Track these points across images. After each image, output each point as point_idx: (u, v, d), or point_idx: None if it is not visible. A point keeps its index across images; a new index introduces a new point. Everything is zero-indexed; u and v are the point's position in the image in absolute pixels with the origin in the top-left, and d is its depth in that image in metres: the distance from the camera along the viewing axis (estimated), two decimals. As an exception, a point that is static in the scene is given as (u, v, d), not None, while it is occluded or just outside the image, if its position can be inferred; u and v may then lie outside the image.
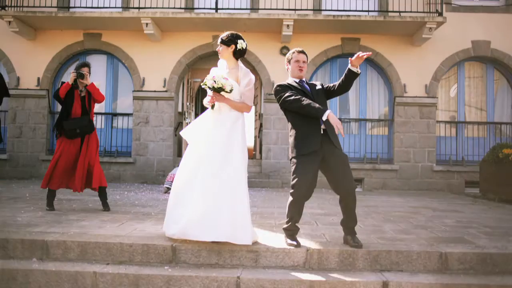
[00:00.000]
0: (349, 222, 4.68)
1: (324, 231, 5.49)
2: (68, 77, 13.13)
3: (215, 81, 4.55)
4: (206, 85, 4.63)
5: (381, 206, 8.59)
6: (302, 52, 4.97)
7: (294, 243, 4.54)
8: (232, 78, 4.71)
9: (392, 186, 12.67)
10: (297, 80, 4.92)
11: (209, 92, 4.72)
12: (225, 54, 4.80)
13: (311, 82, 5.04)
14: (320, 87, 4.93)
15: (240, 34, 4.86)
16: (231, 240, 4.37)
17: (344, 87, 4.83)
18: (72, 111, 6.71)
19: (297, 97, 4.62)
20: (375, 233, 5.48)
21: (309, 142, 4.61)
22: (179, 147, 13.87)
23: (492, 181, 10.31)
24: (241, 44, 4.78)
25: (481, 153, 12.62)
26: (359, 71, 4.73)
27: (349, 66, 4.68)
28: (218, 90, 4.59)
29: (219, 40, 4.83)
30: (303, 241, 4.78)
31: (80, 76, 6.66)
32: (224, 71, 4.83)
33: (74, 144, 6.70)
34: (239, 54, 4.83)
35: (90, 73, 6.80)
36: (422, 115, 12.77)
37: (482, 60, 13.18)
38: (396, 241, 4.94)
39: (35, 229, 5.05)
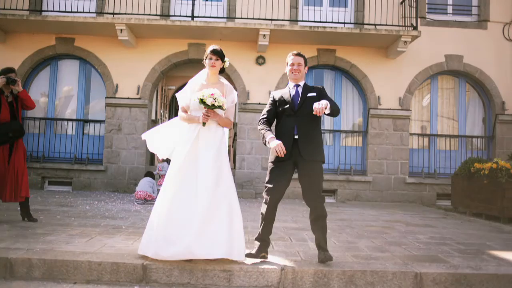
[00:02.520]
0: (318, 240, 4.66)
1: (298, 248, 5.42)
2: (39, 82, 12.91)
3: (215, 99, 4.48)
4: (204, 102, 4.50)
5: (355, 219, 8.56)
6: (298, 54, 4.91)
7: (257, 260, 4.58)
8: None
9: (365, 198, 12.70)
10: (292, 85, 4.88)
11: (195, 106, 4.61)
12: (218, 68, 4.78)
13: (311, 86, 4.91)
14: (314, 94, 4.76)
15: None
16: (230, 256, 4.39)
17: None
18: (0, 116, 6.47)
19: (261, 126, 4.82)
20: (349, 250, 5.43)
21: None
22: (151, 155, 13.65)
23: (463, 195, 10.41)
24: (227, 62, 4.84)
25: (453, 166, 12.79)
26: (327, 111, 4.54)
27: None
28: (213, 108, 4.53)
29: (216, 52, 4.74)
30: (277, 259, 4.71)
31: (12, 82, 6.45)
32: (200, 85, 4.75)
33: (2, 150, 6.47)
34: (223, 70, 4.86)
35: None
36: (395, 127, 12.86)
37: (454, 74, 13.36)
38: (371, 260, 4.89)
39: (-1, 244, 4.84)
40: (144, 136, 5.00)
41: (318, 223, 4.64)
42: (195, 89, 4.71)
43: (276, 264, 4.50)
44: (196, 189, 4.44)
